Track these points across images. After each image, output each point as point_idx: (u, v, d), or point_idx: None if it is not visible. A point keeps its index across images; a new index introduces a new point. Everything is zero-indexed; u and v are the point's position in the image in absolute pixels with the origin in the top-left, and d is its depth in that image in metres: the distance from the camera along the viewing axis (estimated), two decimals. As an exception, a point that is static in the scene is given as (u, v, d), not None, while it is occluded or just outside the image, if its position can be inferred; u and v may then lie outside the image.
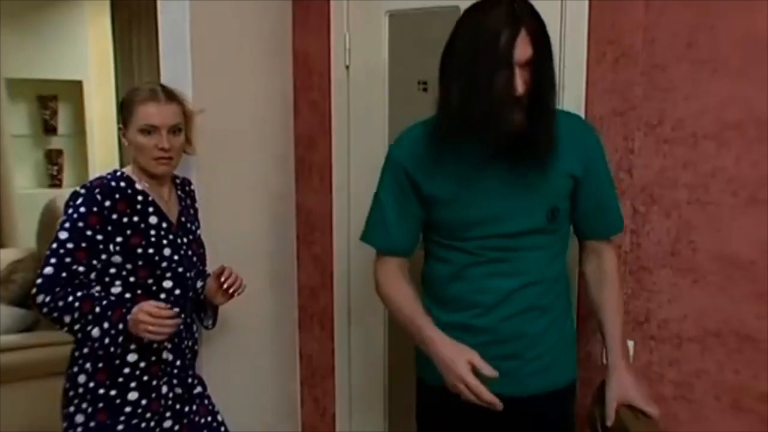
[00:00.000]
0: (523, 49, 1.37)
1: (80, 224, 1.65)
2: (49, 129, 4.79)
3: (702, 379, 1.83)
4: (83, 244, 1.65)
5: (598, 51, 1.88)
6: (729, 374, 1.80)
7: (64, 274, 1.63)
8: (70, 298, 1.62)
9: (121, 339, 1.64)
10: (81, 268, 1.66)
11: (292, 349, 2.59)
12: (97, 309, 1.63)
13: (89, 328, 1.63)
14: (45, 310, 1.63)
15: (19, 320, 3.05)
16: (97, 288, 1.70)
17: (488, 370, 1.41)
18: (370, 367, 2.45)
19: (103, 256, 1.68)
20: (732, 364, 1.79)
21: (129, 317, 1.63)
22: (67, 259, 1.64)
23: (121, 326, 1.63)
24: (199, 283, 1.89)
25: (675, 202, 1.82)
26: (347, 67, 2.33)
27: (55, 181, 4.81)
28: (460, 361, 1.42)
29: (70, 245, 1.64)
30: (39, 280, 1.63)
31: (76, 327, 1.63)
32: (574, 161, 1.53)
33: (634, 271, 1.89)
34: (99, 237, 1.66)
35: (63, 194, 3.90)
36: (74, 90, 4.72)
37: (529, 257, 1.54)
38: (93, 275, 1.69)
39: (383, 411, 2.46)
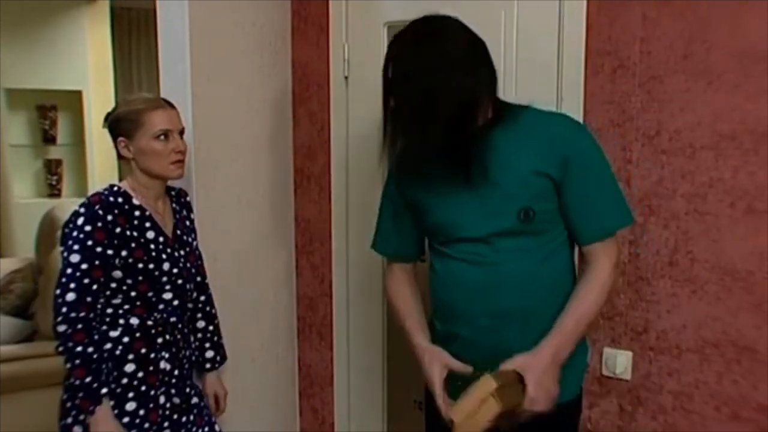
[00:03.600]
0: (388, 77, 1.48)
1: (89, 243, 1.63)
2: (49, 139, 4.79)
3: (701, 390, 1.83)
4: (96, 262, 1.63)
5: (595, 63, 1.89)
6: (728, 385, 1.80)
7: (89, 299, 1.62)
8: (79, 348, 1.61)
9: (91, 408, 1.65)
10: (100, 288, 1.65)
11: (290, 358, 2.59)
12: (88, 379, 1.62)
13: (72, 380, 1.63)
14: (60, 340, 1.61)
15: (17, 330, 3.04)
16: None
17: (460, 367, 1.51)
18: (369, 377, 2.44)
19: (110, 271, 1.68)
20: (731, 374, 1.79)
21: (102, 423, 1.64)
22: (86, 281, 1.62)
23: (92, 408, 1.63)
24: (208, 354, 1.98)
25: (673, 213, 1.82)
26: (346, 78, 2.34)
27: (54, 191, 4.81)
28: (434, 369, 1.53)
29: (84, 266, 1.62)
30: (63, 309, 1.60)
31: (67, 369, 1.64)
32: (540, 160, 1.47)
33: (633, 282, 1.89)
34: (109, 252, 1.65)
35: (62, 204, 3.90)
36: (74, 100, 4.72)
37: (512, 260, 1.51)
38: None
39: (382, 421, 2.45)
